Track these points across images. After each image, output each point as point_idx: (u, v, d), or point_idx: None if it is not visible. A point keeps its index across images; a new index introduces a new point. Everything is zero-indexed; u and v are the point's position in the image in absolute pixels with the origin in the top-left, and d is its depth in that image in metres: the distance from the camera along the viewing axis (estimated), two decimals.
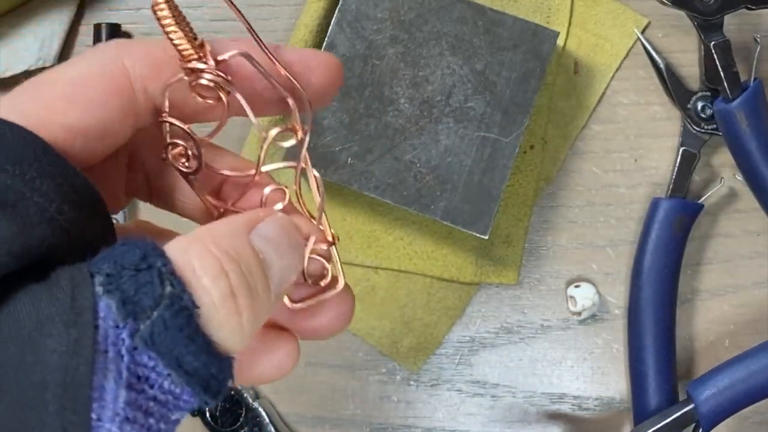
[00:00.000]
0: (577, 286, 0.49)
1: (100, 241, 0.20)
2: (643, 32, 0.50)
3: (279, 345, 0.25)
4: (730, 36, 0.46)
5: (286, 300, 0.24)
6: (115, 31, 0.50)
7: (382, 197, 0.44)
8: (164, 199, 0.26)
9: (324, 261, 0.24)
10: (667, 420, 0.44)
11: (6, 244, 0.18)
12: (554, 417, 0.50)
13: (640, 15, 0.50)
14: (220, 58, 0.22)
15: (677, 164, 0.48)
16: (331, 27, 0.45)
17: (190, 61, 0.21)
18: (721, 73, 0.46)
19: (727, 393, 0.43)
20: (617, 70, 0.50)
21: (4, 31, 0.49)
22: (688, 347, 0.49)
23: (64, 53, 0.51)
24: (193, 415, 0.49)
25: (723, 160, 0.49)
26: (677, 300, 0.48)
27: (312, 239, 0.24)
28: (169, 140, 0.23)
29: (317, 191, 0.24)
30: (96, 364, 0.17)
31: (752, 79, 0.46)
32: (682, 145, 0.48)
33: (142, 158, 0.26)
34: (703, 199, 0.48)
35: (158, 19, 0.21)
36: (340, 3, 0.45)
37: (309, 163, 0.24)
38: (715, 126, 0.48)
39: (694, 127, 0.48)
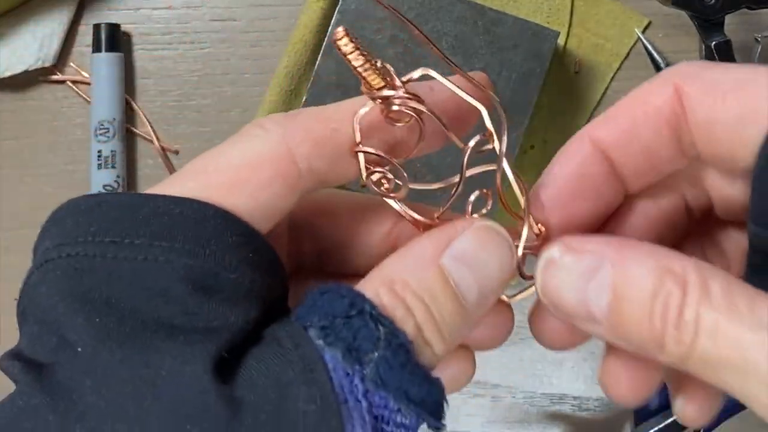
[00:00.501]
0: None
1: (280, 295, 0.22)
2: (643, 32, 0.50)
3: (454, 359, 0.25)
4: (731, 36, 0.46)
5: (503, 297, 0.25)
6: (115, 31, 0.50)
7: None
8: (336, 257, 0.26)
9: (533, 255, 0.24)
10: (668, 421, 0.44)
11: (234, 327, 0.20)
12: (555, 417, 0.50)
13: (641, 15, 0.50)
14: (405, 79, 0.22)
15: None
16: (330, 27, 0.45)
17: (380, 89, 0.21)
18: None
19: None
20: (618, 70, 0.50)
21: (3, 31, 0.50)
22: None
23: (64, 53, 0.51)
24: None
25: None
26: None
27: (524, 236, 0.24)
28: (365, 170, 0.23)
29: (519, 189, 0.24)
30: (342, 416, 0.18)
31: None
32: None
33: (308, 221, 0.26)
34: None
35: (343, 54, 0.21)
36: (340, 3, 0.45)
37: (508, 165, 0.24)
38: None
39: None
